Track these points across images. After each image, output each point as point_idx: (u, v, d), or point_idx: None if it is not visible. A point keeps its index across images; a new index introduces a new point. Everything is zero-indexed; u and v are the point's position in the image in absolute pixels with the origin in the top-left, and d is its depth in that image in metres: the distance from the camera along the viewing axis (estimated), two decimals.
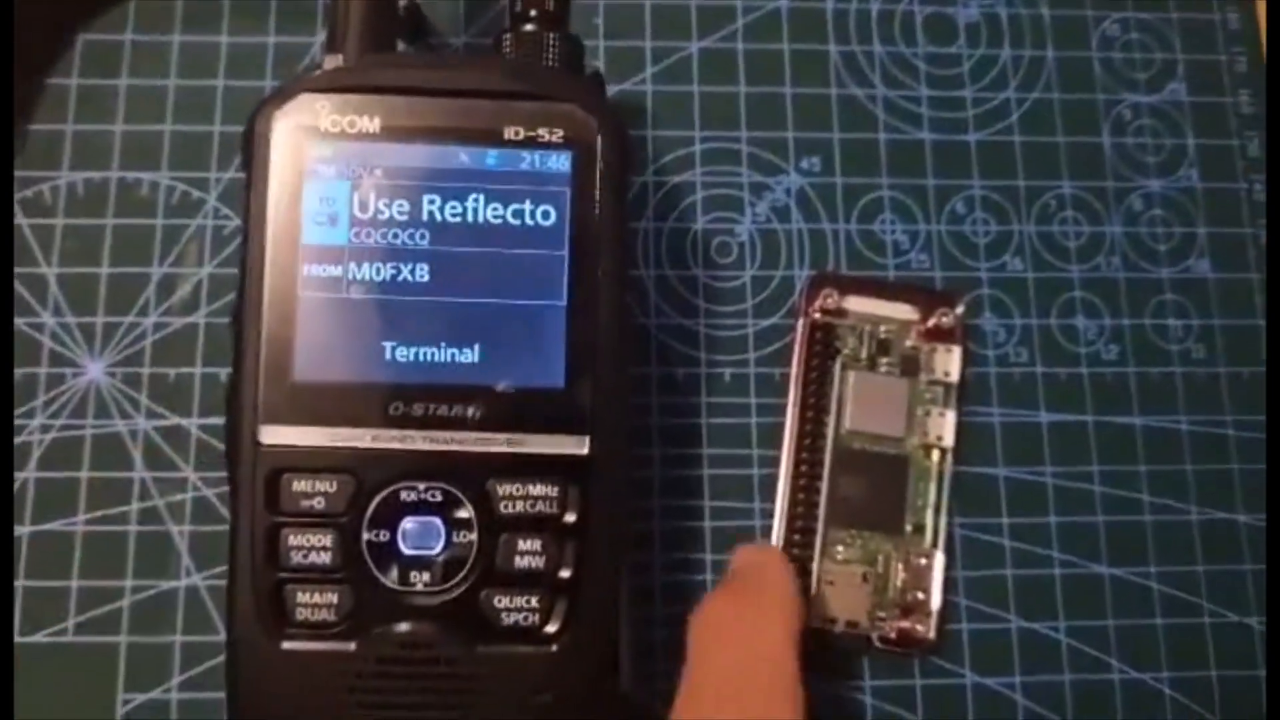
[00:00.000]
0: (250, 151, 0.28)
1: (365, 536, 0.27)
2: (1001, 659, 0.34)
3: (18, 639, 0.32)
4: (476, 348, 0.28)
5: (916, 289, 0.36)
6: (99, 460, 0.33)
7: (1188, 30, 0.40)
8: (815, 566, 0.33)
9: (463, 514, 0.27)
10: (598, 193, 0.29)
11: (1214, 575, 0.35)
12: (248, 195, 0.28)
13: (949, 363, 0.35)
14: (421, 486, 0.27)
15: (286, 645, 0.27)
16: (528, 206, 0.28)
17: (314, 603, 0.27)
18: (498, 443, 0.28)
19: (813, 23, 0.38)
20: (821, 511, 0.33)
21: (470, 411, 0.28)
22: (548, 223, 0.28)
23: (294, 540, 0.27)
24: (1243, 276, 0.38)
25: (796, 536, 0.33)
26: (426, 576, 0.27)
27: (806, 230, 0.37)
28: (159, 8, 0.37)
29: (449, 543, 0.27)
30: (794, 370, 0.34)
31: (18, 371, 0.34)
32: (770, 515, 0.34)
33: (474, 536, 0.27)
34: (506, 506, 0.28)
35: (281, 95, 0.28)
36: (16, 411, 0.34)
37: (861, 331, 0.35)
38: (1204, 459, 0.36)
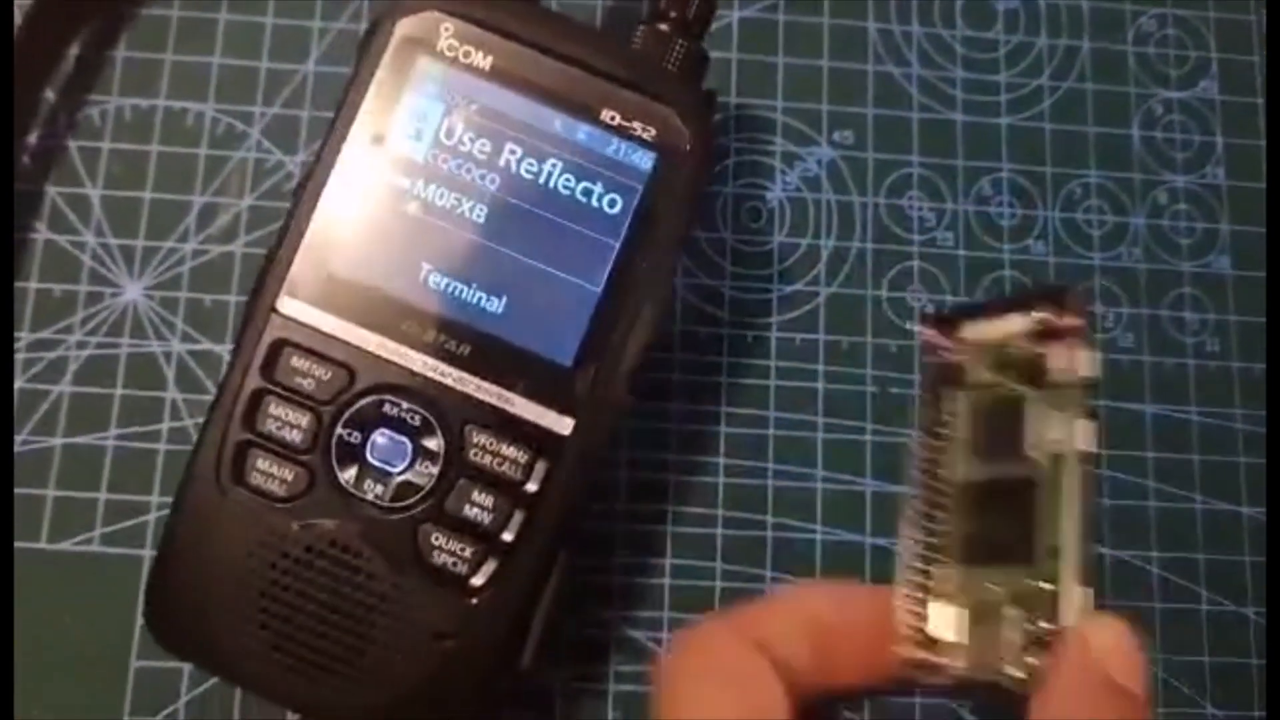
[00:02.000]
0: (365, 48, 0.29)
1: (338, 431, 0.28)
2: None
3: (45, 545, 0.33)
4: (504, 299, 0.29)
5: (1033, 293, 0.26)
6: (132, 379, 0.34)
7: (1223, 29, 0.40)
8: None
9: (432, 445, 0.28)
10: (668, 204, 0.29)
11: (1214, 564, 0.36)
12: (349, 84, 0.29)
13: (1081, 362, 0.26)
14: (404, 405, 0.28)
15: (236, 496, 0.28)
16: (598, 189, 0.29)
17: (270, 472, 0.28)
18: (489, 393, 0.28)
19: None
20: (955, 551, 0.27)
21: (474, 355, 0.28)
22: (612, 210, 0.29)
23: (274, 410, 0.28)
24: (1261, 275, 0.38)
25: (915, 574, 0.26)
26: (379, 489, 0.28)
27: (835, 201, 0.37)
28: None
29: (410, 467, 0.28)
30: (919, 413, 0.27)
31: (57, 288, 0.35)
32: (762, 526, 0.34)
33: (435, 470, 0.28)
34: (475, 455, 0.28)
35: (410, 4, 0.29)
36: (54, 326, 0.34)
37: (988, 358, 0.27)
38: (1211, 450, 0.37)
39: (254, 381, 0.28)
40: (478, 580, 0.28)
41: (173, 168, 0.36)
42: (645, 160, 0.29)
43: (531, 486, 0.28)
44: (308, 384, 0.28)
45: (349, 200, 0.28)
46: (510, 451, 0.28)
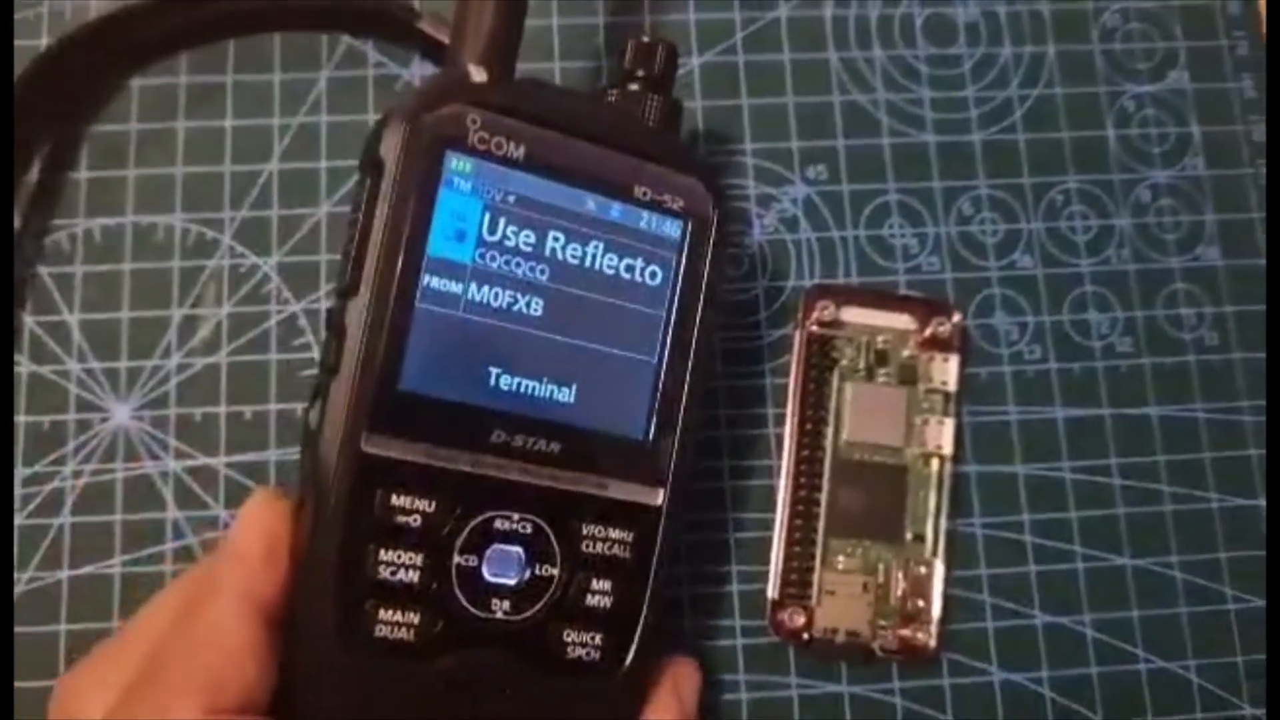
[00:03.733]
0: (380, 154, 0.27)
1: (456, 560, 0.27)
2: (1028, 654, 0.35)
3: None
4: (574, 387, 0.29)
5: (913, 299, 0.36)
6: (131, 503, 0.34)
7: (1188, 17, 0.40)
8: (816, 577, 0.34)
9: (547, 548, 0.28)
10: (700, 267, 0.30)
11: (1237, 562, 0.36)
12: (373, 192, 0.27)
13: (947, 371, 0.35)
14: (515, 516, 0.28)
15: (362, 661, 0.27)
16: (639, 263, 0.29)
17: (395, 620, 0.27)
18: (587, 484, 0.28)
19: (812, 31, 0.38)
20: (821, 522, 0.34)
21: (562, 450, 0.28)
22: (654, 282, 0.29)
23: (385, 555, 0.27)
24: (1253, 262, 0.38)
25: (796, 548, 0.34)
26: (505, 605, 0.28)
27: (815, 239, 0.37)
28: (167, 54, 0.37)
29: (531, 573, 0.28)
30: (792, 382, 0.35)
31: (46, 419, 0.34)
32: (771, 526, 0.34)
33: (555, 570, 0.28)
34: (588, 546, 0.28)
35: (427, 98, 0.28)
36: (48, 459, 0.34)
37: (859, 342, 0.35)
38: (1222, 446, 0.36)
39: (353, 531, 0.26)
40: (612, 661, 0.29)
41: (148, 284, 0.35)
42: (675, 229, 0.30)
43: (638, 562, 0.29)
44: (414, 520, 0.27)
45: (403, 319, 0.27)
46: (618, 534, 0.29)
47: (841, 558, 0.34)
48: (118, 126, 0.36)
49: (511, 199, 0.28)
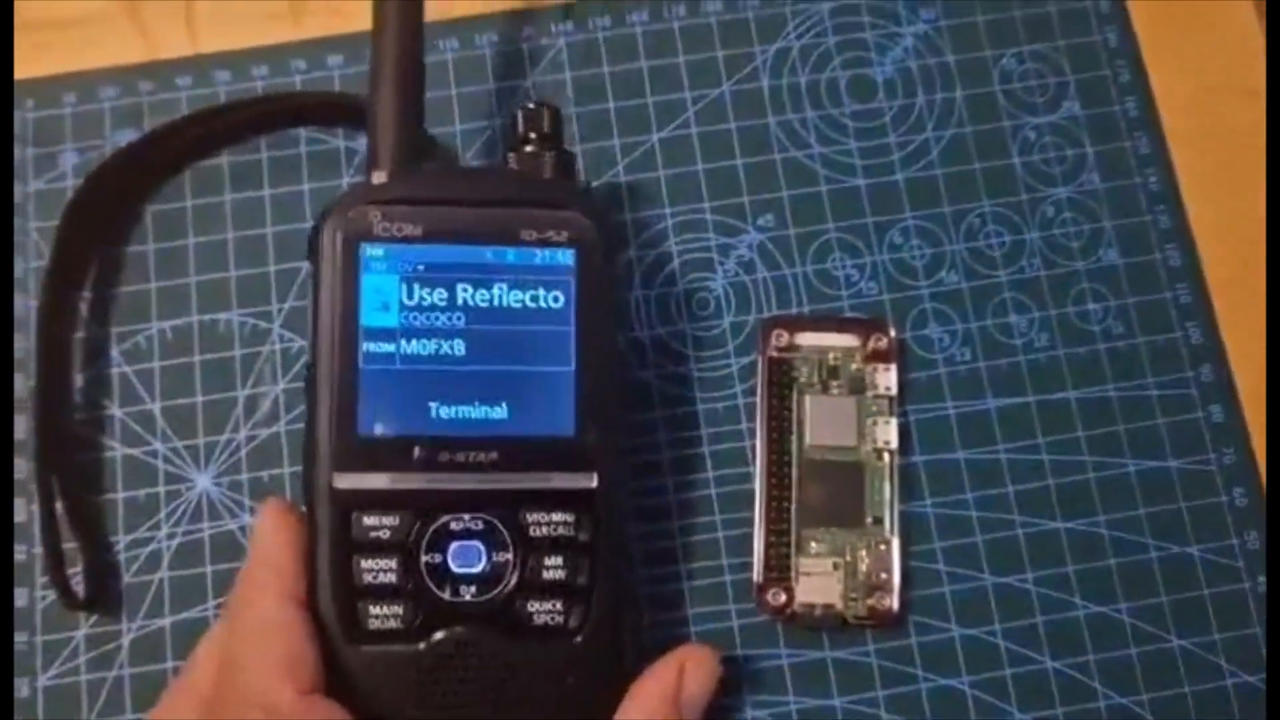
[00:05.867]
0: (318, 251, 0.35)
1: (424, 559, 0.34)
2: (981, 612, 0.41)
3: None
4: (504, 405, 0.35)
5: (853, 320, 0.43)
6: (217, 556, 0.41)
7: (1074, 53, 0.46)
8: (793, 561, 0.40)
9: (500, 538, 0.34)
10: (596, 281, 0.36)
11: (1153, 515, 0.42)
12: (315, 286, 0.35)
13: (888, 379, 0.41)
14: (467, 517, 0.34)
15: (363, 649, 0.33)
16: (541, 293, 0.35)
17: (383, 614, 0.34)
18: (527, 480, 0.35)
19: (752, 102, 0.45)
20: (793, 516, 0.40)
21: (502, 456, 0.35)
22: (557, 305, 0.36)
23: (365, 564, 0.34)
24: (1147, 258, 0.44)
25: (774, 538, 0.40)
26: (473, 589, 0.34)
27: (770, 278, 0.43)
28: (209, 171, 0.44)
29: (490, 561, 0.34)
30: (760, 400, 0.41)
31: (140, 493, 0.41)
32: (752, 522, 0.41)
33: (510, 555, 0.34)
34: (535, 531, 0.35)
35: (342, 206, 0.35)
36: (145, 525, 0.41)
37: (813, 361, 0.42)
38: (1133, 419, 0.42)
39: (339, 549, 0.34)
40: (573, 624, 0.34)
41: (214, 371, 0.42)
42: (567, 256, 0.36)
43: (585, 537, 0.35)
44: (384, 534, 0.34)
45: (349, 378, 0.34)
46: (560, 517, 0.35)
47: (813, 543, 0.40)
48: (177, 242, 0.43)
49: (421, 267, 0.35)
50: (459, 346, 0.35)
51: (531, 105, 0.38)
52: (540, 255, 0.36)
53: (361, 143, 0.44)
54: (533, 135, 0.38)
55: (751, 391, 0.42)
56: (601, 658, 0.35)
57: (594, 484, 0.35)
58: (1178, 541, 0.41)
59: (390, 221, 0.35)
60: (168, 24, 0.45)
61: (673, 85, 0.45)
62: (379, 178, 0.36)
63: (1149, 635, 0.41)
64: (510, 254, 0.35)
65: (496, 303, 0.35)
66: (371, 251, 0.35)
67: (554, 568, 0.35)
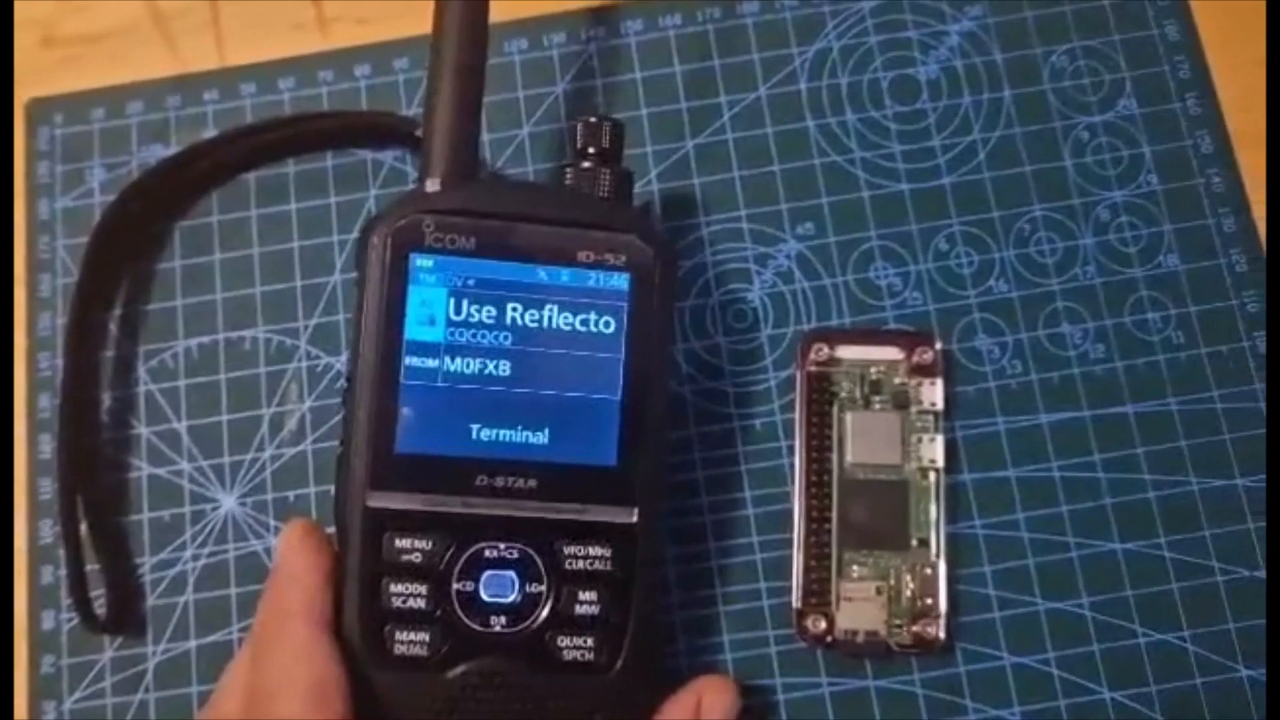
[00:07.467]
0: (365, 258, 0.33)
1: (455, 586, 0.33)
2: (1034, 639, 0.39)
3: None
4: (546, 431, 0.34)
5: (896, 332, 0.41)
6: (242, 578, 0.40)
7: (1130, 48, 0.44)
8: (834, 585, 0.38)
9: (534, 569, 0.33)
10: (650, 309, 0.34)
11: (1220, 537, 0.39)
12: (361, 295, 0.33)
13: (934, 394, 0.39)
14: (502, 546, 0.33)
15: (388, 675, 0.32)
16: (593, 316, 0.34)
17: (410, 639, 0.33)
18: (565, 511, 0.34)
19: (790, 105, 0.43)
20: (834, 537, 0.38)
21: (541, 484, 0.33)
22: (608, 331, 0.34)
23: (395, 588, 0.33)
24: (1211, 263, 0.42)
25: (813, 562, 0.38)
26: (504, 620, 0.33)
27: (809, 288, 0.42)
28: (235, 186, 0.43)
29: (522, 592, 0.33)
30: (799, 416, 0.40)
31: (166, 513, 0.41)
32: (790, 545, 0.39)
33: (543, 587, 0.33)
34: (571, 564, 0.33)
35: (395, 214, 0.34)
36: (170, 546, 0.40)
37: (855, 375, 0.40)
38: (1196, 434, 0.40)
39: (369, 569, 0.32)
40: (604, 661, 0.33)
41: (240, 389, 0.42)
42: (622, 281, 0.34)
43: (620, 573, 0.34)
44: (416, 558, 0.33)
45: (390, 393, 0.33)
46: (597, 551, 0.34)
47: (855, 566, 0.38)
48: (203, 259, 0.43)
49: (471, 282, 0.34)
50: (504, 367, 0.34)
51: (593, 119, 0.37)
52: (595, 278, 0.34)
53: (388, 155, 0.43)
54: (591, 150, 0.36)
55: (790, 407, 0.40)
56: (631, 694, 0.34)
57: (633, 519, 0.34)
58: (1245, 565, 0.39)
59: (443, 232, 0.34)
60: (195, 36, 0.45)
61: (707, 90, 0.44)
62: (432, 186, 0.34)
63: (1215, 665, 0.38)
64: (564, 274, 0.34)
65: (546, 324, 0.34)
66: (421, 261, 0.34)
67: (587, 602, 0.33)
